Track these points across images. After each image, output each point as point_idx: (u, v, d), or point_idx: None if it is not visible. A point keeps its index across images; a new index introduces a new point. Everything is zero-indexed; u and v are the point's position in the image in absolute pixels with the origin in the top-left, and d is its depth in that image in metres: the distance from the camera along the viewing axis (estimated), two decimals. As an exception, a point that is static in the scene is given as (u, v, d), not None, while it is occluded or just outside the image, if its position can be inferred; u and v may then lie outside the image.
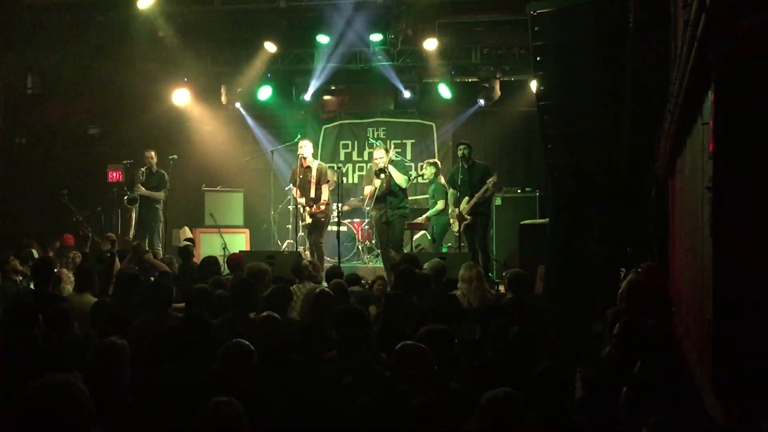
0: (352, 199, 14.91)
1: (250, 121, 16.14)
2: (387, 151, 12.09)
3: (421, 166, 13.89)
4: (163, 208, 12.82)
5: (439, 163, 13.55)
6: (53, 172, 14.32)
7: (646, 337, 4.80)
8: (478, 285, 7.94)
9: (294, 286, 8.23)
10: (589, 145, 8.12)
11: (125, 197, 12.93)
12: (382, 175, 11.65)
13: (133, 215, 12.86)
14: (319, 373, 5.21)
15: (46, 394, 3.00)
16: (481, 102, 15.08)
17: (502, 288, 10.07)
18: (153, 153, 13.01)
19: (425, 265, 8.59)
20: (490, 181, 11.61)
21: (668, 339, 5.54)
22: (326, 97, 16.51)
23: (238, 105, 15.83)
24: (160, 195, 12.77)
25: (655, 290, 5.80)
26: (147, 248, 11.77)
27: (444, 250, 12.81)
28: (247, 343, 4.69)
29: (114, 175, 14.61)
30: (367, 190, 12.21)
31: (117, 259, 9.59)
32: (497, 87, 14.72)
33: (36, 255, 11.28)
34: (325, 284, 8.28)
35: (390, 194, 11.74)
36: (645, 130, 7.25)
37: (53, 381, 3.06)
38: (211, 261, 9.03)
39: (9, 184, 14.09)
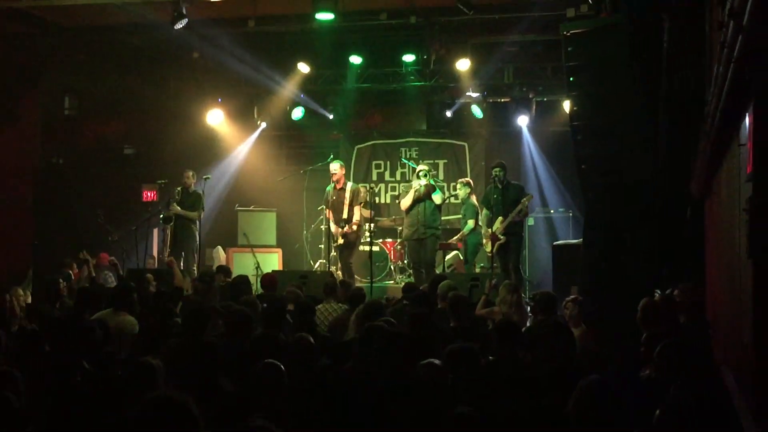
0: (384, 218, 14.91)
1: (282, 141, 16.23)
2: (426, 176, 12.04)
3: (454, 186, 13.88)
4: (198, 228, 12.85)
5: (471, 182, 13.54)
6: (89, 192, 14.45)
7: (688, 358, 4.75)
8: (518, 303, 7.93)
9: (320, 305, 8.32)
10: (623, 165, 8.08)
11: (160, 216, 13.01)
12: (424, 180, 11.65)
13: (169, 234, 12.94)
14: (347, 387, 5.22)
15: (166, 408, 2.99)
16: (515, 122, 15.05)
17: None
18: (191, 173, 13.07)
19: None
20: (525, 201, 11.53)
21: (705, 361, 5.48)
22: (359, 118, 16.56)
23: (263, 125, 15.92)
24: (195, 215, 12.81)
25: (692, 311, 5.75)
26: (182, 267, 11.85)
27: (477, 270, 12.76)
28: (278, 363, 4.73)
29: (149, 194, 14.72)
30: (407, 198, 12.06)
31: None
32: (532, 107, 14.68)
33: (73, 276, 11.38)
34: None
35: (427, 201, 11.72)
36: (680, 151, 7.20)
37: (173, 397, 3.06)
38: (242, 280, 9.08)
39: (46, 204, 14.22)
